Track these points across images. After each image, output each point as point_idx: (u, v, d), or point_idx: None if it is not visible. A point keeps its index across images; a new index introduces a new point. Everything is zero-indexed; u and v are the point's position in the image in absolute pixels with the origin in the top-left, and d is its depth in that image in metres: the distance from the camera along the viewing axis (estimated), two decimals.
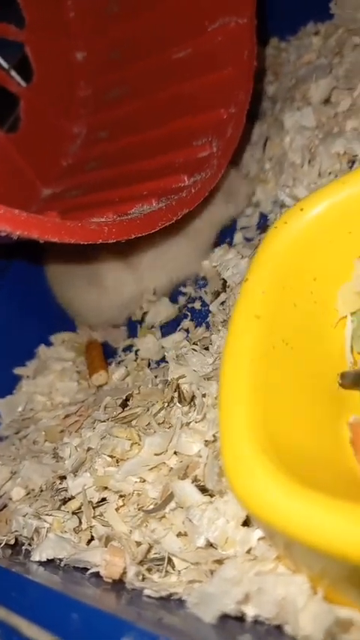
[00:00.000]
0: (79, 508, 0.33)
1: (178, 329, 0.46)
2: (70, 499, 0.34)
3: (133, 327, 0.51)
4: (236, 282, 0.42)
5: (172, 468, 0.31)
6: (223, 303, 0.43)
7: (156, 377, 0.43)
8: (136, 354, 0.48)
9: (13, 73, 0.55)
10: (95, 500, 0.32)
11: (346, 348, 0.30)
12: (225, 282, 0.44)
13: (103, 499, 0.32)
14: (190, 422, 0.32)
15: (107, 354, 0.51)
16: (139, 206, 0.37)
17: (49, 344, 0.53)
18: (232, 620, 0.26)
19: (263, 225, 0.48)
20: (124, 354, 0.49)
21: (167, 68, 0.50)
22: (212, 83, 0.46)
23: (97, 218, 0.34)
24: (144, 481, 0.31)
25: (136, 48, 0.53)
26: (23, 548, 0.35)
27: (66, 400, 0.46)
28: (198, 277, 0.49)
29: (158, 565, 0.30)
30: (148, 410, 0.38)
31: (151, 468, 0.31)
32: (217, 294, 0.44)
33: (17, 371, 0.50)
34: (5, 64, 0.55)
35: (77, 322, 0.54)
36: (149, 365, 0.46)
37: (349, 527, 0.20)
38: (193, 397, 0.33)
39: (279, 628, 0.25)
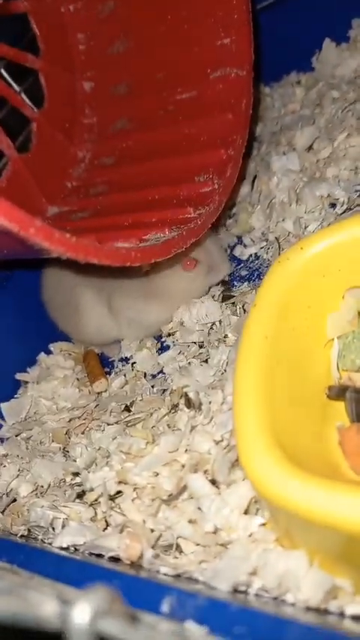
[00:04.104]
0: (96, 500, 0.37)
1: (171, 347, 0.51)
2: (85, 492, 0.38)
3: None
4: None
5: (184, 464, 0.35)
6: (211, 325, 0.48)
7: (153, 387, 0.48)
8: (132, 365, 0.52)
9: (23, 97, 0.59)
10: (112, 492, 0.36)
11: (333, 365, 0.36)
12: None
13: (119, 492, 0.36)
14: (197, 425, 0.37)
15: (103, 363, 0.55)
16: (153, 233, 0.42)
17: (48, 352, 0.56)
18: (236, 593, 0.31)
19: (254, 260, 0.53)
20: (121, 364, 0.53)
21: (171, 107, 0.55)
22: (213, 126, 0.52)
23: (122, 243, 0.39)
24: (157, 475, 0.36)
25: (142, 85, 0.58)
26: (39, 538, 0.38)
27: (69, 405, 0.49)
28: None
29: (168, 549, 0.34)
30: (151, 415, 0.43)
31: (165, 464, 0.36)
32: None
33: (19, 376, 0.53)
34: (17, 88, 0.59)
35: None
36: (145, 376, 0.50)
37: (340, 502, 0.25)
38: (200, 403, 0.38)
39: (276, 599, 0.30)
